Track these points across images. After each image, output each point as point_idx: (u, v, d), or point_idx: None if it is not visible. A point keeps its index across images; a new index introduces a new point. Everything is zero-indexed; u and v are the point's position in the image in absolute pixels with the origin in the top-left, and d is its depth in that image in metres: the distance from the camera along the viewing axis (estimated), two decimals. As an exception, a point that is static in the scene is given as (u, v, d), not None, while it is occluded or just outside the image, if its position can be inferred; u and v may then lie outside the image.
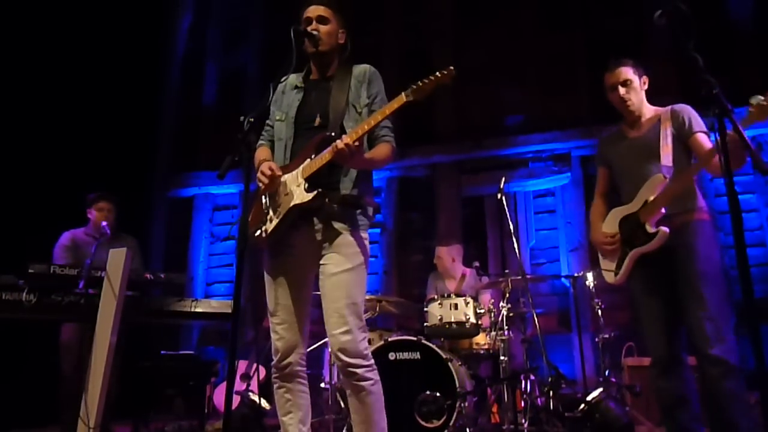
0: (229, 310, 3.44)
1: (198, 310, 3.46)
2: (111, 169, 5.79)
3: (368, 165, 2.48)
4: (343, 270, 2.37)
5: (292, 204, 2.37)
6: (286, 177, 2.44)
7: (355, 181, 2.46)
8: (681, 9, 2.02)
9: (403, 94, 2.26)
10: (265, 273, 2.53)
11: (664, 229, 2.65)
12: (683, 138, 2.77)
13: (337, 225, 2.40)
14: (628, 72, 2.88)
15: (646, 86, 2.92)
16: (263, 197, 2.51)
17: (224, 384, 4.85)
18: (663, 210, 2.68)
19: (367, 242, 2.48)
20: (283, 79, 2.54)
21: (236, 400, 4.92)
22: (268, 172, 2.40)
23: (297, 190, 2.37)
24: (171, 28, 8.15)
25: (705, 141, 2.74)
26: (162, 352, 4.71)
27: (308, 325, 2.52)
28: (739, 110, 2.01)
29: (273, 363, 2.47)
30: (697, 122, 2.78)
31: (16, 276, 3.07)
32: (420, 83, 2.24)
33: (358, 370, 2.30)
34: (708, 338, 2.48)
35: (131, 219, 4.78)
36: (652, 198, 2.71)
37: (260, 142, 2.70)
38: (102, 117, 6.16)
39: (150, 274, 3.63)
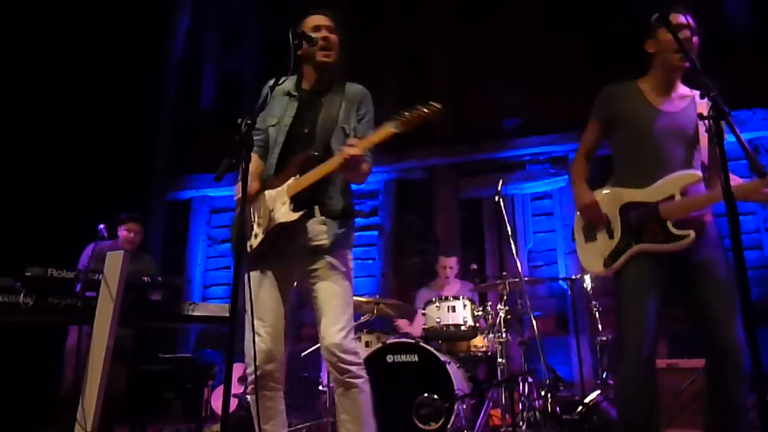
0: (227, 314, 3.43)
1: (196, 313, 3.45)
2: (108, 172, 5.78)
3: (360, 177, 2.50)
4: (337, 274, 2.43)
5: (277, 222, 2.39)
6: (270, 193, 2.46)
7: (344, 195, 2.51)
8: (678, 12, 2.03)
9: (389, 125, 2.27)
10: (249, 276, 2.51)
11: (693, 234, 2.34)
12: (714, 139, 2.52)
13: (326, 234, 2.44)
14: (694, 23, 2.44)
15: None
16: (251, 209, 2.51)
17: (222, 387, 4.83)
18: (692, 214, 2.39)
19: (351, 258, 2.54)
20: (281, 81, 2.54)
21: (234, 403, 4.91)
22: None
23: (282, 208, 2.39)
24: (169, 31, 8.14)
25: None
26: (159, 355, 4.69)
27: (287, 331, 2.54)
28: (737, 113, 2.03)
29: (254, 368, 2.40)
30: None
31: (14, 279, 3.06)
32: (406, 115, 2.24)
33: (353, 368, 2.35)
34: (742, 351, 2.24)
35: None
36: (681, 196, 2.38)
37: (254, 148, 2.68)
38: (99, 120, 6.15)
39: (147, 277, 3.63)
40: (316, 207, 2.44)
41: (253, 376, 2.41)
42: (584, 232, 2.61)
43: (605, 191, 2.58)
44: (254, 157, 2.65)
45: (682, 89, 2.57)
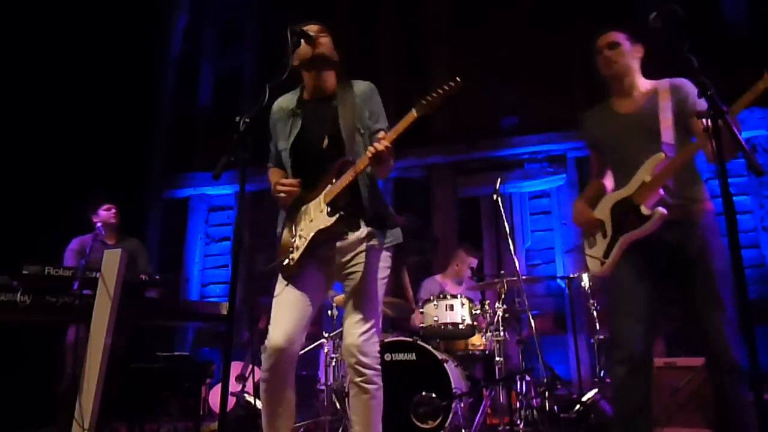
0: (225, 312, 3.43)
1: (193, 311, 3.45)
2: (106, 170, 5.77)
3: (387, 170, 2.52)
4: (372, 278, 2.47)
5: (316, 229, 2.42)
6: (310, 204, 2.49)
7: (374, 197, 2.52)
8: (676, 10, 2.02)
9: (413, 110, 2.29)
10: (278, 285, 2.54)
11: (661, 209, 2.40)
12: (685, 115, 2.51)
13: (366, 241, 2.48)
14: (617, 36, 2.68)
15: (639, 55, 2.70)
16: (288, 228, 2.54)
17: (219, 385, 4.83)
18: (661, 191, 2.43)
19: (390, 261, 2.60)
20: (281, 82, 2.54)
21: (231, 401, 4.91)
22: (285, 188, 2.46)
23: (320, 215, 2.43)
24: (166, 29, 8.13)
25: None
26: (157, 353, 4.69)
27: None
28: (734, 112, 2.03)
29: (271, 364, 2.41)
30: (700, 101, 2.43)
31: (10, 277, 3.05)
32: (429, 98, 2.27)
33: (369, 372, 2.37)
34: (728, 344, 2.28)
35: (127, 220, 4.77)
36: (649, 178, 2.46)
37: (269, 164, 2.74)
38: (97, 118, 6.14)
39: (145, 275, 3.62)
40: (357, 216, 2.47)
41: (265, 374, 2.42)
42: (587, 239, 2.74)
43: (601, 202, 2.71)
44: (274, 169, 2.70)
45: (644, 85, 2.69)
